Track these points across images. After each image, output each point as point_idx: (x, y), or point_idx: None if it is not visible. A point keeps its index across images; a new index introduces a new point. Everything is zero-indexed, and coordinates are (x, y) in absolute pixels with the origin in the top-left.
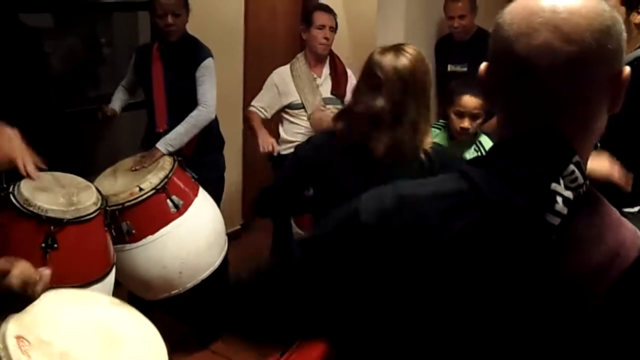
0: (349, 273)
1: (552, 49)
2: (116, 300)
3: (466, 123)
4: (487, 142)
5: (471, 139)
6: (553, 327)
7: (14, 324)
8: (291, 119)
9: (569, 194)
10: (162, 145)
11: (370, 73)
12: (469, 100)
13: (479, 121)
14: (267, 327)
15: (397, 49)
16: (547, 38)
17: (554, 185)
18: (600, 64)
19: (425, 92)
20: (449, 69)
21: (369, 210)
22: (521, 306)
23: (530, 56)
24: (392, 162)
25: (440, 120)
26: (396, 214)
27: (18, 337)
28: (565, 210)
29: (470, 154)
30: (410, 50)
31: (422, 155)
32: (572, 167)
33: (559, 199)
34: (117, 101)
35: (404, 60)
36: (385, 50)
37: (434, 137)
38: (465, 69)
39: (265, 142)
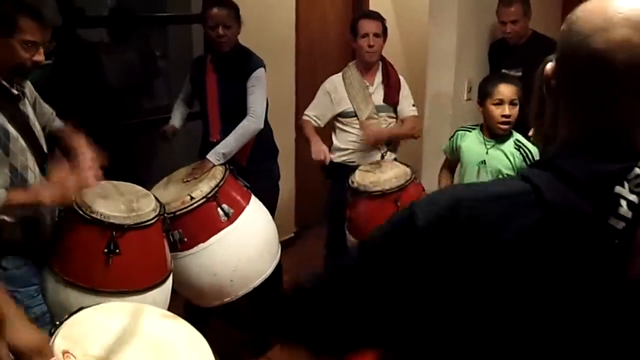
0: (407, 278)
1: (631, 45)
2: (168, 313)
3: (507, 110)
4: (525, 141)
5: (508, 137)
6: (615, 333)
7: (62, 339)
8: (344, 127)
9: (634, 197)
10: (212, 155)
11: None
12: (506, 88)
13: (517, 110)
14: (326, 334)
15: None
16: (626, 34)
17: (618, 189)
18: None
19: None
20: None
21: (425, 214)
22: (581, 311)
23: (608, 51)
24: None
25: (468, 124)
26: (452, 216)
27: (65, 352)
28: (629, 214)
29: (511, 153)
30: None
31: None
32: (637, 170)
33: (623, 203)
34: (177, 116)
35: None
36: None
37: (463, 139)
38: (520, 74)
39: (318, 150)
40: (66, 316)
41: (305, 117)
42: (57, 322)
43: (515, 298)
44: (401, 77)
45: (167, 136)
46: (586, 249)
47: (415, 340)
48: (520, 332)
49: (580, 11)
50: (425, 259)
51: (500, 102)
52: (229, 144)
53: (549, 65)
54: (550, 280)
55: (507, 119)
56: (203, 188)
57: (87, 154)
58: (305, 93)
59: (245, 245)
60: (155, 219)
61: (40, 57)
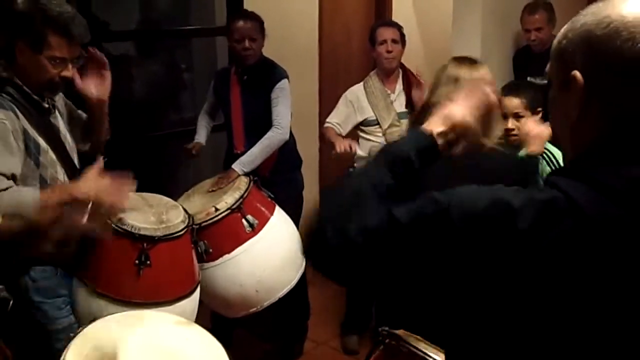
0: (434, 266)
1: None
2: (182, 320)
3: (510, 123)
4: (549, 145)
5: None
6: None
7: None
8: (366, 135)
9: None
10: (237, 166)
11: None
12: (509, 101)
13: (523, 121)
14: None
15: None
16: None
17: None
18: None
19: None
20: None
21: (460, 210)
22: (617, 315)
23: None
24: None
25: None
26: (487, 217)
27: None
28: None
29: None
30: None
31: None
32: None
33: None
34: (202, 132)
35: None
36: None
37: None
38: (546, 81)
39: (342, 142)
40: (80, 329)
41: (327, 125)
42: (72, 334)
43: (549, 302)
44: (423, 82)
45: (192, 154)
46: (621, 255)
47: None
48: (553, 338)
49: (628, 14)
50: (456, 254)
51: (505, 116)
52: (254, 154)
53: (578, 74)
54: (585, 285)
55: (510, 132)
56: (228, 199)
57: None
58: (328, 103)
59: (270, 255)
60: (185, 230)
61: (68, 72)
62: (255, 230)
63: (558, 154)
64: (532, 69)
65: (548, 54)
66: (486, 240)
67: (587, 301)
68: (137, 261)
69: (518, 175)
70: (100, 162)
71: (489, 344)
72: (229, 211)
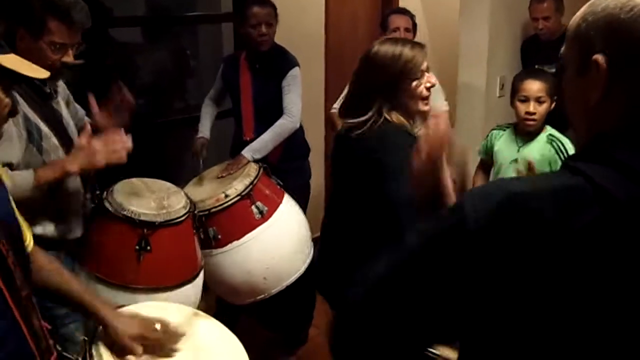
0: (460, 282)
1: None
2: (199, 312)
3: (531, 107)
4: (558, 134)
5: (540, 133)
6: None
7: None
8: None
9: None
10: (248, 152)
11: None
12: (532, 84)
13: (544, 106)
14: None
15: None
16: None
17: None
18: None
19: None
20: None
21: (477, 212)
22: None
23: None
24: None
25: (504, 122)
26: (508, 212)
27: None
28: None
29: (543, 150)
30: None
31: None
32: None
33: None
34: (206, 121)
35: None
36: None
37: (497, 138)
38: (554, 70)
39: None
40: None
41: (333, 110)
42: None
43: (581, 292)
44: (431, 73)
45: (198, 153)
46: None
47: (479, 332)
48: (587, 330)
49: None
50: (482, 260)
51: (526, 99)
52: (265, 141)
53: (601, 57)
54: (617, 274)
55: (530, 116)
56: (237, 186)
57: (117, 131)
58: (334, 92)
59: (279, 243)
60: (186, 215)
61: (69, 58)
62: (264, 217)
63: (567, 143)
64: (540, 57)
65: (556, 42)
66: (508, 235)
67: (620, 291)
68: (137, 247)
69: None
70: (87, 128)
71: (515, 343)
72: (238, 197)
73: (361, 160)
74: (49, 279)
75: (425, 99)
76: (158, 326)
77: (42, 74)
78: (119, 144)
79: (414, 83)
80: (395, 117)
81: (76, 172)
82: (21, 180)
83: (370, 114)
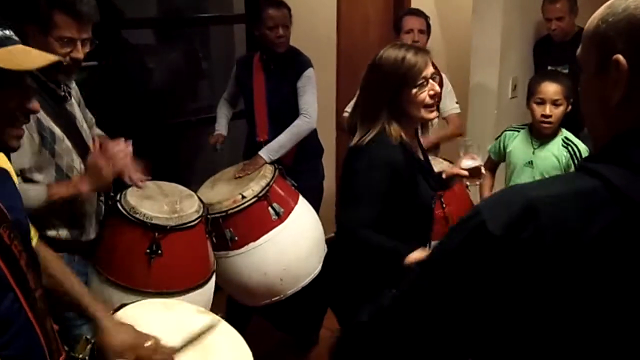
0: (481, 291)
1: None
2: (202, 309)
3: (547, 110)
4: (573, 137)
5: (555, 136)
6: None
7: None
8: None
9: None
10: (264, 153)
11: None
12: (549, 86)
13: (560, 109)
14: None
15: None
16: None
17: None
18: None
19: None
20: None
21: (496, 220)
22: None
23: None
24: None
25: (518, 123)
26: (529, 219)
27: None
28: None
29: (559, 153)
30: None
31: None
32: None
33: None
34: (223, 122)
35: None
36: None
37: (511, 139)
38: (567, 71)
39: None
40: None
41: (345, 114)
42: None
43: (605, 297)
44: (443, 75)
45: (216, 148)
46: None
47: (500, 347)
48: (611, 334)
49: None
50: (505, 267)
51: (542, 102)
52: (282, 142)
53: (622, 57)
54: (637, 279)
55: (546, 119)
56: (254, 187)
57: (116, 142)
58: (346, 94)
59: (295, 244)
60: (198, 220)
61: (78, 54)
62: (281, 218)
63: (582, 147)
64: (553, 58)
65: (569, 43)
66: (531, 241)
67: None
68: (148, 250)
69: None
70: (96, 146)
71: (531, 352)
72: (255, 199)
73: (343, 172)
74: (50, 276)
75: (429, 106)
76: (149, 343)
77: (50, 58)
78: (120, 154)
79: (414, 90)
80: (394, 130)
81: (89, 193)
82: (35, 195)
83: (379, 127)
